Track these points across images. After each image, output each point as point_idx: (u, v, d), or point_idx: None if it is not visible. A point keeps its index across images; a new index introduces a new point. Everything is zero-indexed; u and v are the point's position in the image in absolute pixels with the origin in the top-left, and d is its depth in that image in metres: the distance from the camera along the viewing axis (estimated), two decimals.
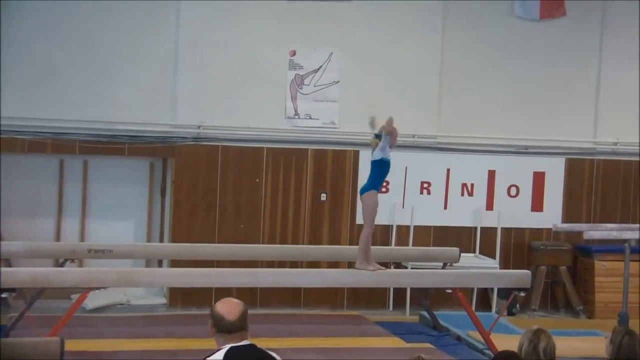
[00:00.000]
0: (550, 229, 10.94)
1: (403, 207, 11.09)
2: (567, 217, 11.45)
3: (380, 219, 10.98)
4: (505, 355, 4.76)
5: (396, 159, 11.02)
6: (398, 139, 8.36)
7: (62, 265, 9.02)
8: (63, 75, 10.28)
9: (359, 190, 8.43)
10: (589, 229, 7.96)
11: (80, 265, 10.00)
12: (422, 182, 11.22)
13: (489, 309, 11.04)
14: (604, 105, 11.61)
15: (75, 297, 8.45)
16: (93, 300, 9.84)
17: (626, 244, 7.81)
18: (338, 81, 10.93)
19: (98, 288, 8.18)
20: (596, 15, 11.51)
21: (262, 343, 8.68)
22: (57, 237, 10.56)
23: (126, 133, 10.44)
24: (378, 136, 8.17)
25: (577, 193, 11.61)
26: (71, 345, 7.51)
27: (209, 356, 4.42)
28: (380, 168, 8.11)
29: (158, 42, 10.52)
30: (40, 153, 10.35)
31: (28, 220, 10.29)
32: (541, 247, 11.29)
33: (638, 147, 11.64)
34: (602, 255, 11.11)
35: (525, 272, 8.94)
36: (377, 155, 8.07)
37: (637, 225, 10.00)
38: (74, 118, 10.25)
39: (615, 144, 11.65)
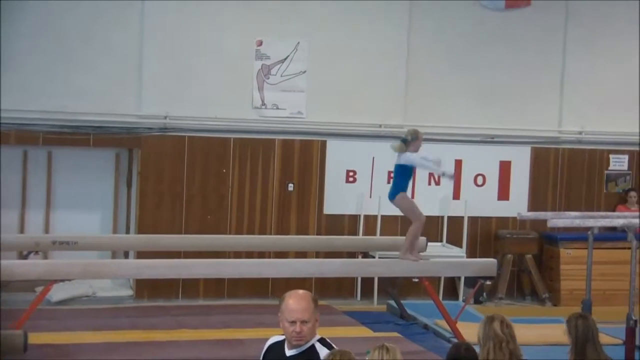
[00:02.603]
0: (516, 218, 11.01)
1: (370, 196, 11.10)
2: (533, 205, 11.53)
3: (348, 209, 11.07)
4: (458, 345, 4.83)
5: (363, 148, 11.15)
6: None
7: (26, 257, 8.92)
8: (26, 65, 10.15)
9: (387, 196, 8.76)
10: (552, 217, 8.00)
11: (45, 258, 9.90)
12: (389, 172, 11.18)
13: (456, 297, 11.11)
14: (569, 95, 11.71)
15: (39, 289, 8.36)
16: (58, 293, 9.74)
17: (589, 232, 7.86)
18: (305, 71, 10.90)
19: (62, 280, 8.11)
20: (560, 4, 11.59)
21: (230, 334, 8.72)
22: (21, 229, 10.43)
23: (91, 124, 10.35)
24: (404, 141, 8.40)
25: (543, 182, 11.70)
26: (35, 339, 7.46)
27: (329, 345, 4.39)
28: (405, 171, 8.49)
29: (122, 32, 10.42)
30: (3, 144, 10.20)
31: None
32: (507, 235, 11.37)
33: (602, 136, 11.78)
34: (567, 243, 11.21)
35: (491, 261, 9.02)
36: (403, 161, 8.40)
37: (600, 213, 10.11)
38: (38, 109, 10.14)
39: (580, 133, 11.76)
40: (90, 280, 10.18)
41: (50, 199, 10.59)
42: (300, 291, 4.43)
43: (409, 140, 8.42)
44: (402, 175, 8.45)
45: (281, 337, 4.45)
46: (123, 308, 9.84)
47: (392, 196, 8.54)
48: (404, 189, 8.47)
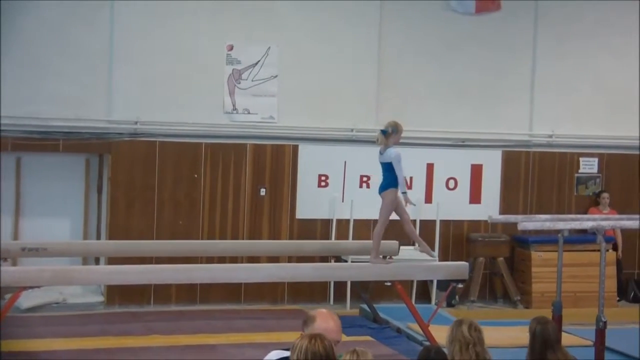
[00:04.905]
0: (487, 221, 11.04)
1: (343, 201, 11.11)
2: (504, 208, 11.60)
3: (321, 213, 11.06)
4: (428, 348, 4.84)
5: (335, 153, 11.15)
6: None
7: None
8: None
9: (377, 190, 8.58)
10: (523, 220, 8.03)
11: (14, 264, 9.78)
12: (362, 176, 11.25)
13: (428, 300, 11.14)
14: (539, 98, 11.79)
15: (8, 296, 8.26)
16: (28, 300, 9.65)
17: (560, 235, 7.91)
18: (276, 75, 10.89)
19: (32, 287, 8.02)
20: (530, 8, 11.68)
21: (201, 339, 8.68)
22: None
23: (60, 129, 10.27)
24: (385, 132, 8.29)
25: (514, 185, 11.77)
26: (5, 346, 7.39)
27: None
28: (391, 167, 8.33)
29: (92, 36, 10.35)
30: None
31: None
32: (479, 238, 11.41)
33: (572, 139, 11.87)
34: (538, 246, 11.29)
35: (463, 264, 9.04)
36: (387, 158, 8.29)
37: (570, 215, 10.17)
38: (6, 114, 10.02)
39: (551, 136, 11.84)
40: (61, 287, 10.09)
41: (19, 205, 10.49)
42: (326, 310, 4.36)
43: (389, 132, 8.34)
44: (389, 171, 8.35)
45: (285, 354, 4.25)
46: (94, 314, 9.76)
47: (382, 189, 8.44)
48: (395, 185, 8.35)
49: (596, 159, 12.04)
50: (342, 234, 11.07)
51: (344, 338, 8.55)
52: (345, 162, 11.11)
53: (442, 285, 10.77)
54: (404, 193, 8.38)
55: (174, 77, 10.59)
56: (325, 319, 4.25)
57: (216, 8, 10.65)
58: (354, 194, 11.15)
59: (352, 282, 10.66)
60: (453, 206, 11.43)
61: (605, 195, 11.82)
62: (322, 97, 11.04)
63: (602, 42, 11.90)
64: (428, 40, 11.40)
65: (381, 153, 8.39)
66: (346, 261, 10.23)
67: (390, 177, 8.35)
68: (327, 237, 11.02)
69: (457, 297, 11.15)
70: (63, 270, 8.09)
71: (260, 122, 10.88)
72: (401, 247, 9.71)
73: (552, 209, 11.58)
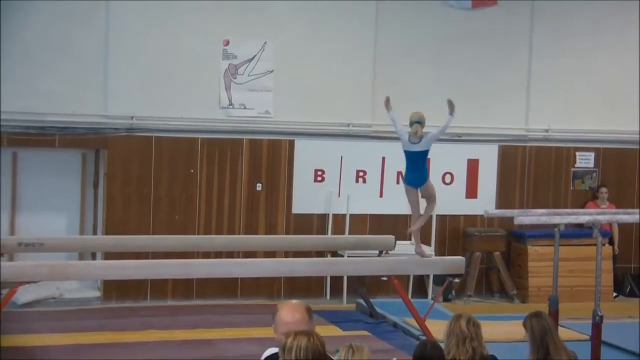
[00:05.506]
0: (484, 216, 11.04)
1: (339, 195, 11.11)
2: (501, 203, 11.60)
3: (317, 208, 11.07)
4: (424, 343, 4.86)
5: (331, 148, 11.16)
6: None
7: None
8: None
9: (409, 182, 8.63)
10: (519, 215, 8.03)
11: (11, 260, 9.78)
12: (358, 171, 11.25)
13: (425, 295, 11.15)
14: (535, 93, 11.80)
15: (5, 292, 8.25)
16: (24, 295, 9.65)
17: (556, 229, 7.91)
18: (272, 70, 10.88)
19: (29, 282, 8.02)
20: (526, 4, 11.68)
21: (198, 334, 8.68)
22: None
23: (56, 124, 10.25)
24: (420, 122, 8.47)
25: (510, 179, 11.78)
26: (2, 341, 7.36)
27: None
28: (426, 156, 8.53)
29: (88, 32, 10.33)
30: None
31: None
32: (475, 233, 11.42)
33: (569, 134, 11.89)
34: (535, 241, 11.30)
35: (459, 259, 9.05)
36: (427, 146, 8.43)
37: (567, 210, 10.18)
38: (3, 109, 10.00)
39: (547, 130, 11.85)
40: (57, 282, 10.09)
41: (15, 200, 10.48)
42: (294, 302, 4.30)
43: (422, 122, 8.48)
44: (425, 160, 8.51)
45: (276, 350, 4.22)
46: (90, 309, 9.77)
47: (422, 182, 8.53)
48: (428, 175, 8.57)
49: (592, 154, 12.06)
50: (338, 229, 11.07)
51: (340, 333, 8.65)
52: (341, 157, 11.11)
53: (439, 280, 10.78)
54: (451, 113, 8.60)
55: (169, 72, 10.58)
56: (290, 311, 4.18)
57: (212, 3, 10.64)
58: (351, 189, 11.16)
59: (348, 277, 10.66)
60: (449, 201, 11.41)
61: (604, 189, 11.83)
62: (318, 92, 11.03)
63: (598, 38, 11.91)
64: (424, 35, 11.40)
65: (414, 143, 8.42)
66: (342, 256, 10.23)
67: (425, 168, 8.52)
68: (324, 232, 11.03)
69: (453, 291, 11.17)
70: (60, 266, 8.10)
71: (257, 117, 10.88)
72: (397, 242, 9.73)
73: (548, 204, 11.59)
